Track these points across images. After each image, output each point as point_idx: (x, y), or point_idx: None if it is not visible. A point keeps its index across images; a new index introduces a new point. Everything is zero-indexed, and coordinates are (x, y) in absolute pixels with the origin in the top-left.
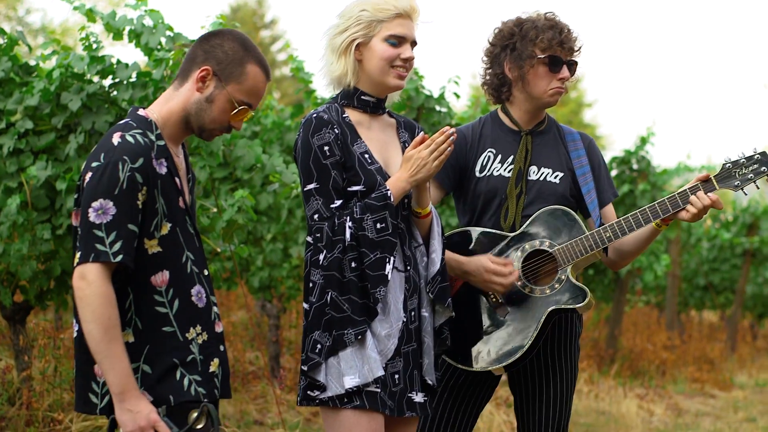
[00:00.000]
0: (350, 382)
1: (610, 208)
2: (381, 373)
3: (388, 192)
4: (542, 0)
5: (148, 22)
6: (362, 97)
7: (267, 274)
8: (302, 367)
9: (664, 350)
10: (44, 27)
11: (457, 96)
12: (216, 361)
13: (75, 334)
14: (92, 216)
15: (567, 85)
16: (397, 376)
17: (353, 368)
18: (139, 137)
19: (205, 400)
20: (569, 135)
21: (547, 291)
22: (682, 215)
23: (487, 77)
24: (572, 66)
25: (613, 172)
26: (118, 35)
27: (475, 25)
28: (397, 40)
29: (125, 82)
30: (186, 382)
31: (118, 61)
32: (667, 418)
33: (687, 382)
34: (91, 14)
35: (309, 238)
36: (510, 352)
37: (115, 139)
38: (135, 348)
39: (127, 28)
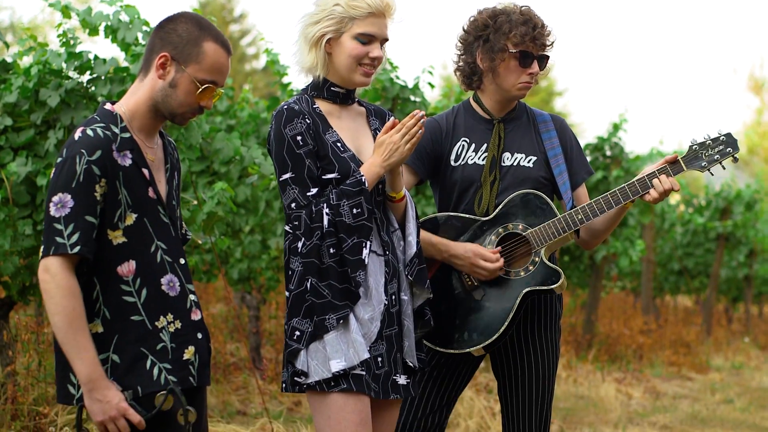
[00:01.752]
0: (336, 365)
1: (583, 189)
2: (366, 355)
3: (363, 177)
4: None
5: (124, 17)
6: (332, 88)
7: (246, 265)
8: (285, 354)
9: (640, 335)
10: (13, 25)
11: (432, 86)
12: (191, 348)
13: (52, 327)
14: (53, 210)
15: (537, 79)
16: (380, 359)
17: (339, 352)
18: (99, 130)
19: (178, 388)
20: (540, 117)
21: (522, 273)
22: (645, 197)
23: (460, 63)
24: (543, 60)
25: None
26: (94, 31)
27: (448, 16)
28: (366, 39)
29: (103, 77)
30: (156, 370)
31: (96, 57)
32: (646, 401)
33: (664, 366)
34: (66, 11)
35: (287, 227)
36: (486, 333)
37: (77, 134)
38: (104, 338)
39: (103, 24)
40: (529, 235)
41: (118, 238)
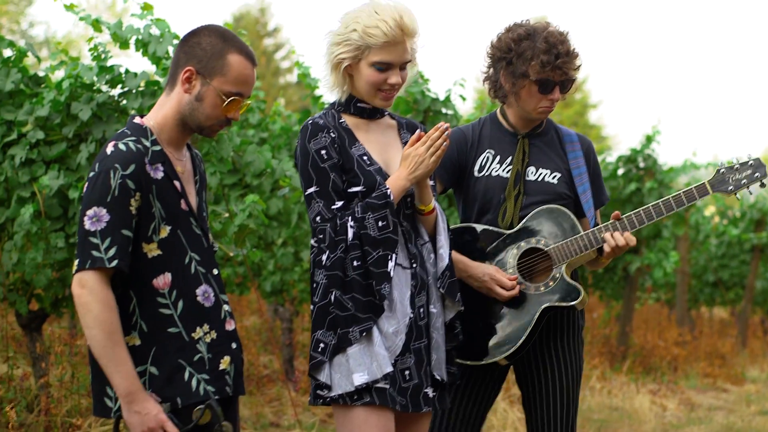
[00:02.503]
0: (359, 379)
1: (596, 213)
2: (389, 369)
3: (388, 190)
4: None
5: (154, 31)
6: (358, 104)
7: (279, 278)
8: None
9: (675, 346)
10: (48, 39)
11: (463, 99)
12: (227, 358)
13: (89, 342)
14: (87, 224)
15: (558, 101)
16: (407, 372)
17: (362, 365)
18: (131, 144)
19: (216, 397)
20: (567, 137)
21: (542, 288)
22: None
23: (488, 74)
24: (567, 85)
25: (620, 171)
26: (125, 45)
27: (480, 28)
28: (384, 66)
29: (134, 91)
30: (194, 382)
31: (127, 71)
32: (680, 413)
33: (699, 377)
34: (97, 25)
35: (313, 240)
36: (503, 347)
37: (109, 148)
38: (142, 350)
39: (134, 38)
40: (551, 250)
41: (153, 251)
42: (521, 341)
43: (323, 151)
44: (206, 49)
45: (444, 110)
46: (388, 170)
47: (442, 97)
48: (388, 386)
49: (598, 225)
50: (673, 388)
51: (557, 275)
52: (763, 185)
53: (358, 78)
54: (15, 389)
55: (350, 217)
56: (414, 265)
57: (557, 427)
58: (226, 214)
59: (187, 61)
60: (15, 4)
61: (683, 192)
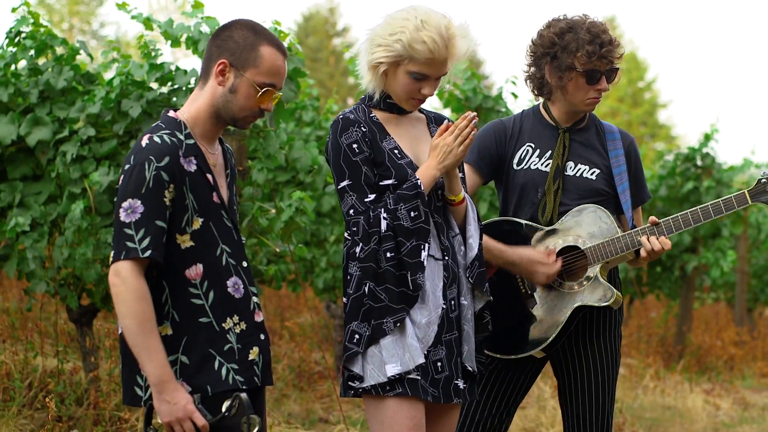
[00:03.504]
0: (392, 370)
1: (637, 212)
2: (422, 360)
3: (418, 181)
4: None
5: (204, 29)
6: (387, 100)
7: (331, 275)
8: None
9: (732, 346)
10: (118, 39)
11: (515, 96)
12: (255, 349)
13: (119, 331)
14: (123, 215)
15: (605, 92)
16: (440, 364)
17: (395, 356)
18: (166, 137)
19: (244, 387)
20: (609, 134)
21: (576, 287)
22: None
23: (530, 74)
24: (612, 74)
25: (678, 169)
26: (175, 43)
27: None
28: (420, 77)
29: (184, 88)
30: (224, 371)
31: (177, 68)
32: (734, 412)
33: (755, 377)
34: (148, 23)
35: (346, 233)
36: (535, 342)
37: (144, 141)
38: (173, 340)
39: (185, 35)
40: (588, 250)
41: (186, 242)
42: (552, 337)
43: (355, 145)
44: (239, 41)
45: (496, 107)
46: (418, 163)
47: (494, 95)
48: (419, 377)
49: (635, 227)
50: (727, 387)
51: (592, 275)
52: None
53: (393, 80)
54: (65, 383)
55: (383, 209)
56: (446, 257)
57: (592, 421)
58: (273, 211)
59: (220, 54)
60: (86, 4)
61: (722, 200)
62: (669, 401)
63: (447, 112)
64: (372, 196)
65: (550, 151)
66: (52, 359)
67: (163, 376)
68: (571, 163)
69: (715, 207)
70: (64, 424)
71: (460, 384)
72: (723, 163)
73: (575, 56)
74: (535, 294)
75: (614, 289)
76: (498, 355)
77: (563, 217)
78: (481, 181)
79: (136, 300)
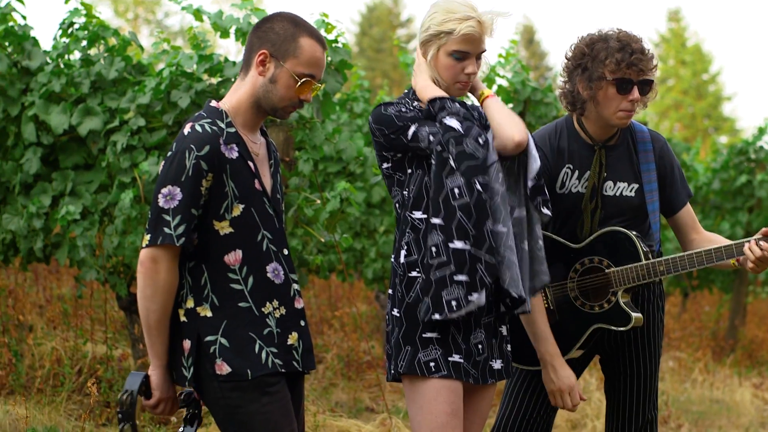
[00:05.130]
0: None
1: (687, 209)
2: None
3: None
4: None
5: (254, 20)
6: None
7: (380, 265)
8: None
9: None
10: (183, 29)
11: None
12: (294, 334)
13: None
14: (161, 201)
15: (640, 105)
16: (480, 347)
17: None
18: (207, 126)
19: (283, 371)
20: (642, 144)
21: (596, 309)
22: (746, 265)
23: (564, 89)
24: (645, 85)
25: (731, 163)
26: (225, 34)
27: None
28: (460, 55)
29: (232, 79)
30: (264, 354)
31: (226, 59)
32: None
33: None
34: (198, 14)
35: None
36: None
37: (186, 129)
38: (213, 322)
39: (234, 27)
40: (611, 274)
41: (224, 228)
42: (570, 354)
43: (403, 108)
44: (279, 33)
45: (545, 100)
46: None
47: (542, 87)
48: (462, 360)
49: (661, 254)
50: None
51: (613, 299)
52: None
53: (438, 67)
54: (113, 369)
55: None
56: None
57: (633, 411)
58: (318, 201)
59: (261, 45)
60: None
61: (735, 245)
62: (717, 395)
63: None
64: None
65: (588, 172)
66: (102, 346)
67: (163, 362)
68: (610, 183)
69: (739, 245)
70: (112, 409)
71: (495, 364)
72: None
73: (604, 65)
74: (556, 310)
75: (632, 315)
76: (524, 367)
77: (591, 237)
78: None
79: (167, 292)
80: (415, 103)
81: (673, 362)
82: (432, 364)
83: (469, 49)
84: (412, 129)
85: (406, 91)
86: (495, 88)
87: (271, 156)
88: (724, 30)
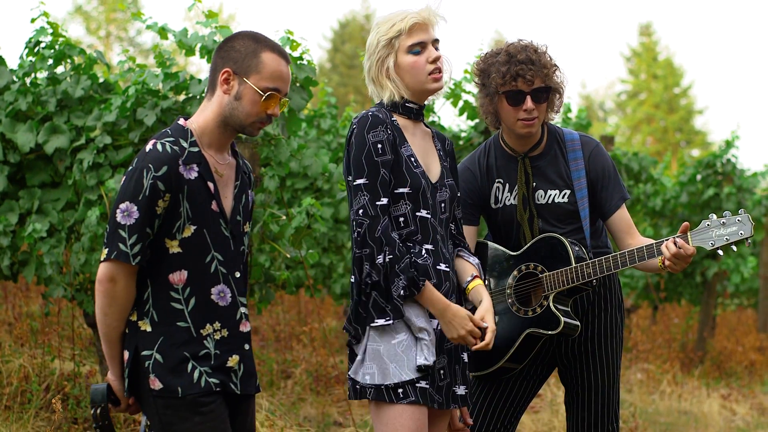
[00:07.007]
0: (420, 361)
1: (621, 213)
2: (433, 359)
3: (425, 285)
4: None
5: (219, 38)
6: (407, 104)
7: (348, 280)
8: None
9: (753, 352)
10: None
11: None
12: (236, 357)
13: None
14: (119, 216)
15: (545, 112)
16: (442, 372)
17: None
18: (168, 146)
19: (218, 390)
20: (572, 152)
21: (530, 313)
22: (666, 264)
23: (482, 107)
24: (540, 93)
25: (699, 176)
26: (190, 52)
27: (578, 35)
28: (418, 47)
29: (198, 97)
30: (197, 374)
31: (191, 77)
32: (750, 417)
33: None
34: (163, 32)
35: (353, 230)
36: (497, 357)
37: (149, 146)
38: (150, 337)
39: (199, 45)
40: (544, 278)
41: (173, 247)
42: (506, 357)
43: (380, 145)
44: (240, 50)
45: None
46: (428, 174)
47: None
48: (428, 386)
49: (591, 257)
50: (745, 393)
51: (545, 303)
52: (749, 244)
53: (403, 70)
54: (81, 386)
55: (387, 252)
56: (447, 268)
57: (593, 426)
58: (284, 217)
59: (224, 64)
60: (123, 11)
61: (655, 244)
62: (685, 406)
63: (462, 120)
64: (385, 201)
65: (516, 182)
66: (69, 363)
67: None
68: (540, 191)
69: (659, 243)
70: (79, 425)
71: (459, 390)
72: (746, 170)
73: (495, 80)
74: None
75: (561, 319)
76: (477, 373)
77: (528, 245)
78: (478, 226)
79: (125, 308)
80: (393, 118)
81: (642, 374)
82: (400, 390)
83: (423, 38)
84: (361, 182)
85: (379, 102)
86: (461, 103)
87: (238, 177)
88: (696, 44)
